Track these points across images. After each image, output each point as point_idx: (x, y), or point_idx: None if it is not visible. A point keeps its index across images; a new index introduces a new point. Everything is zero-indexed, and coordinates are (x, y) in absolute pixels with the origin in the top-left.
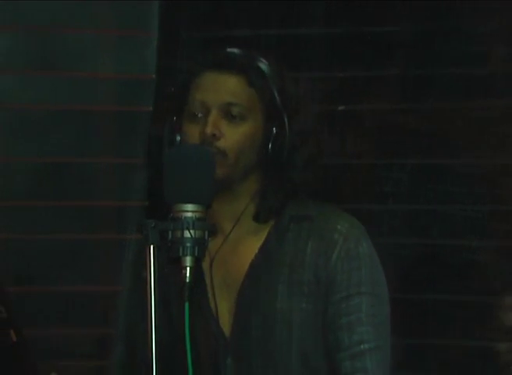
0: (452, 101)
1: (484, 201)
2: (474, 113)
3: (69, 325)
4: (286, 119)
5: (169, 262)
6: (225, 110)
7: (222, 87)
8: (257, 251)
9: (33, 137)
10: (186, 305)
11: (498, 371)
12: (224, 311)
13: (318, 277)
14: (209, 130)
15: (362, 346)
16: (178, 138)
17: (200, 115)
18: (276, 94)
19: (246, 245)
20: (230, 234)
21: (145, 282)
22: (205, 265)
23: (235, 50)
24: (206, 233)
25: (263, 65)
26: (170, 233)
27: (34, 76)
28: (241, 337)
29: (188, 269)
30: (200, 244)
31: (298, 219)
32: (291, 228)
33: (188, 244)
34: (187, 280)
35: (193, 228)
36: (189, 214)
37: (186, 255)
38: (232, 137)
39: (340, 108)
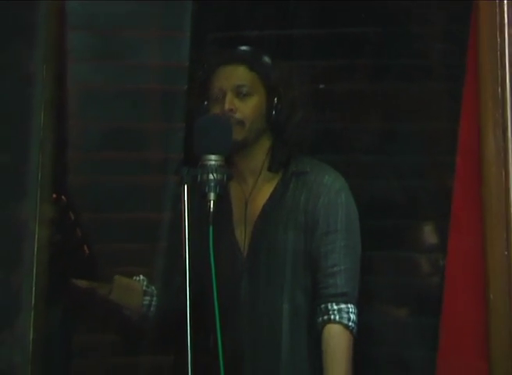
0: (403, 85)
1: None
2: (418, 94)
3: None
4: (281, 93)
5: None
6: (236, 91)
7: (233, 75)
8: (268, 197)
9: (100, 109)
10: (211, 227)
11: None
12: (243, 238)
13: (307, 218)
14: (227, 106)
15: (335, 268)
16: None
17: (220, 97)
18: (272, 75)
19: (261, 192)
20: (252, 185)
21: (181, 212)
22: (235, 205)
23: (241, 47)
24: (225, 176)
25: (262, 56)
26: (199, 176)
27: (101, 64)
28: (254, 258)
29: (212, 202)
30: (221, 184)
31: (297, 173)
32: (292, 181)
33: (212, 184)
34: (211, 210)
35: (215, 172)
36: (212, 162)
37: (211, 192)
38: (244, 109)
39: (321, 86)
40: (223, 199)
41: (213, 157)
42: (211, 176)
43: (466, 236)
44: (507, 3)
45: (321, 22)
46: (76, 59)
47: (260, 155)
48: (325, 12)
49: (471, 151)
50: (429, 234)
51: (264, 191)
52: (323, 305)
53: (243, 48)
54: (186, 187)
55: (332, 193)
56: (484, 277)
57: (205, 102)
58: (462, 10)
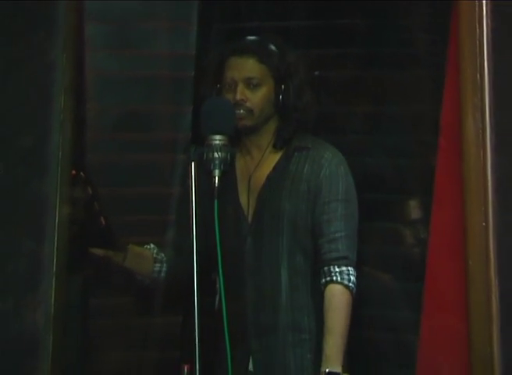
0: (390, 72)
1: None
2: (404, 80)
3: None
4: (288, 82)
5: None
6: (247, 82)
7: (244, 67)
8: (271, 169)
9: (115, 93)
10: (216, 201)
11: None
12: (248, 205)
13: (309, 188)
14: (238, 97)
15: (337, 234)
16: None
17: (232, 87)
18: (280, 66)
19: (266, 165)
20: (258, 159)
21: (189, 187)
22: (241, 177)
23: (250, 38)
24: (228, 154)
25: (269, 47)
26: (205, 154)
27: (115, 53)
28: (257, 223)
29: (217, 178)
30: (225, 162)
31: (300, 148)
32: (295, 155)
33: (216, 162)
34: (216, 185)
35: (219, 151)
36: (217, 141)
37: (215, 169)
38: (254, 99)
39: (316, 73)
40: (230, 171)
41: (218, 137)
42: (216, 155)
43: (447, 209)
44: None
45: (317, 14)
46: (93, 48)
47: (267, 134)
48: (320, 6)
49: (452, 132)
50: (414, 207)
51: (269, 164)
52: (326, 268)
53: (254, 39)
54: (193, 164)
55: (332, 166)
56: (464, 246)
57: (218, 86)
58: (444, 3)
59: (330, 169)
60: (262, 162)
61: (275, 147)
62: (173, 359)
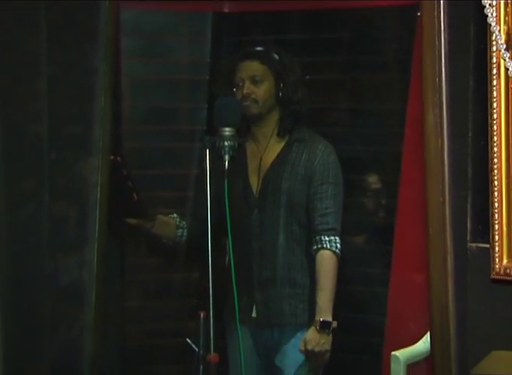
0: (365, 75)
1: None
2: (377, 81)
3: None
4: (285, 79)
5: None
6: (251, 79)
7: (249, 68)
8: (275, 155)
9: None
10: (226, 181)
11: None
12: (256, 184)
13: (305, 172)
14: (245, 91)
15: (327, 210)
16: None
17: (240, 84)
18: (278, 67)
19: (271, 152)
20: (265, 146)
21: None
22: (250, 160)
23: (255, 47)
24: (236, 143)
25: (270, 52)
26: (217, 143)
27: (145, 60)
28: (263, 198)
29: (227, 162)
30: (233, 149)
31: (298, 140)
32: (294, 145)
33: (226, 149)
34: (226, 168)
35: (229, 140)
36: (227, 133)
37: (225, 155)
38: (258, 92)
39: (307, 77)
40: (241, 156)
41: (227, 129)
42: (226, 143)
43: (412, 186)
44: (443, 13)
45: (307, 29)
46: (127, 57)
47: (271, 123)
48: (310, 22)
49: (416, 125)
50: (385, 185)
51: (273, 151)
52: (317, 237)
53: (257, 47)
54: (207, 151)
55: (325, 155)
56: (425, 216)
57: (229, 86)
58: (410, 20)
59: (323, 158)
60: (268, 149)
61: (279, 135)
62: (192, 307)
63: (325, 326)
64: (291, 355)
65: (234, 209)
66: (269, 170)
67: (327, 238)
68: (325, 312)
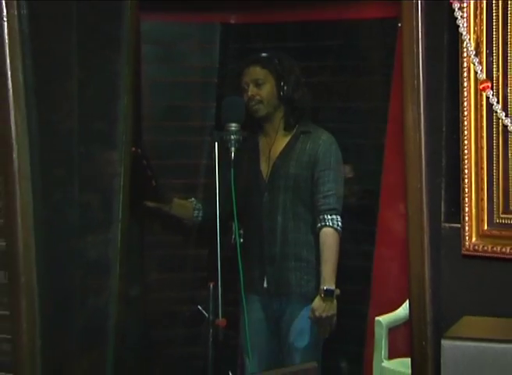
0: (353, 77)
1: None
2: (363, 83)
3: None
4: (286, 80)
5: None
6: (255, 83)
7: (252, 73)
8: (284, 145)
9: (162, 93)
10: (232, 170)
11: None
12: (266, 170)
13: (310, 160)
14: (250, 93)
15: (330, 192)
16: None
17: (246, 88)
18: (279, 69)
19: (280, 143)
20: (274, 139)
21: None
22: (262, 151)
23: (257, 54)
24: (240, 137)
25: (270, 57)
26: (224, 136)
27: (162, 65)
28: (272, 182)
29: (232, 153)
30: (239, 142)
31: (304, 132)
32: (300, 137)
33: (232, 142)
34: (232, 158)
35: (234, 134)
36: (232, 128)
37: (231, 147)
38: (261, 93)
39: (303, 79)
40: (254, 148)
41: (233, 124)
42: (232, 137)
43: (393, 174)
44: (421, 24)
45: (301, 38)
46: (147, 62)
47: (277, 120)
48: (303, 32)
49: (397, 120)
50: (370, 173)
51: (281, 143)
52: (321, 216)
53: (259, 54)
54: (216, 143)
55: (327, 145)
56: (405, 200)
57: (236, 88)
58: (392, 29)
59: (325, 147)
60: (276, 142)
61: (285, 130)
62: (202, 278)
63: (329, 293)
64: (298, 323)
65: (247, 193)
66: (278, 159)
67: (329, 217)
68: (328, 281)
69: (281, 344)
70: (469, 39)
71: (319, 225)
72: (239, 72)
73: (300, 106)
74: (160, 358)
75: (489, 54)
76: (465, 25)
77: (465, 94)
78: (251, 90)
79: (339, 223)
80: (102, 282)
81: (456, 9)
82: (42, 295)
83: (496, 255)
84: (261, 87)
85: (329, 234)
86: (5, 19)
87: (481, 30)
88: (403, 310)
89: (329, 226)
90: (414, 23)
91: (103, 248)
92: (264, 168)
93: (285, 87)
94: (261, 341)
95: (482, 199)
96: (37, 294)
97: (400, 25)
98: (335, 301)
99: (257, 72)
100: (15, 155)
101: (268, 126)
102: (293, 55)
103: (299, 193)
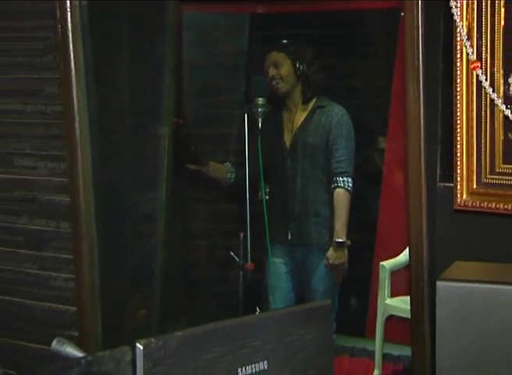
0: (359, 60)
1: None
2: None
3: None
4: (301, 60)
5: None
6: (274, 65)
7: (272, 57)
8: (303, 118)
9: (199, 74)
10: (259, 138)
11: None
12: (288, 140)
13: (325, 129)
14: (271, 73)
15: (342, 157)
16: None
17: (268, 70)
18: (294, 52)
19: (299, 116)
20: (294, 113)
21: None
22: (285, 123)
23: (277, 41)
24: (266, 109)
25: (287, 43)
26: (252, 109)
27: (199, 48)
28: (294, 149)
29: (260, 123)
30: (265, 113)
31: (319, 107)
32: (316, 111)
33: (259, 114)
34: (259, 127)
35: (261, 107)
36: (259, 102)
37: (259, 118)
38: (281, 73)
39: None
40: (278, 121)
41: (260, 99)
42: (259, 110)
43: (397, 142)
44: (421, 13)
45: (318, 26)
46: (187, 46)
47: (296, 96)
48: (321, 19)
49: (400, 97)
50: (378, 141)
51: (301, 116)
52: (335, 178)
53: (278, 42)
54: (246, 115)
55: (339, 116)
56: (406, 164)
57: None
58: (395, 17)
59: (338, 118)
60: (297, 115)
61: (303, 103)
62: (234, 229)
63: (340, 244)
64: (318, 270)
65: (272, 159)
66: (298, 130)
67: (341, 179)
68: (340, 234)
69: (304, 287)
70: (462, 25)
71: (333, 186)
72: (262, 56)
73: (314, 82)
74: (198, 296)
75: (479, 38)
76: (458, 13)
77: (458, 72)
78: (272, 71)
79: (351, 185)
80: (150, 231)
81: (451, 0)
82: (101, 241)
83: (483, 210)
84: (279, 67)
85: (341, 194)
86: (68, 9)
87: (473, 18)
88: (403, 256)
89: (341, 187)
90: (415, 12)
91: (151, 202)
92: (287, 138)
93: (300, 67)
94: (283, 283)
95: (472, 163)
96: (96, 241)
97: (402, 14)
98: (346, 250)
99: (274, 56)
100: (77, 125)
101: (289, 102)
102: (310, 40)
103: (316, 159)
